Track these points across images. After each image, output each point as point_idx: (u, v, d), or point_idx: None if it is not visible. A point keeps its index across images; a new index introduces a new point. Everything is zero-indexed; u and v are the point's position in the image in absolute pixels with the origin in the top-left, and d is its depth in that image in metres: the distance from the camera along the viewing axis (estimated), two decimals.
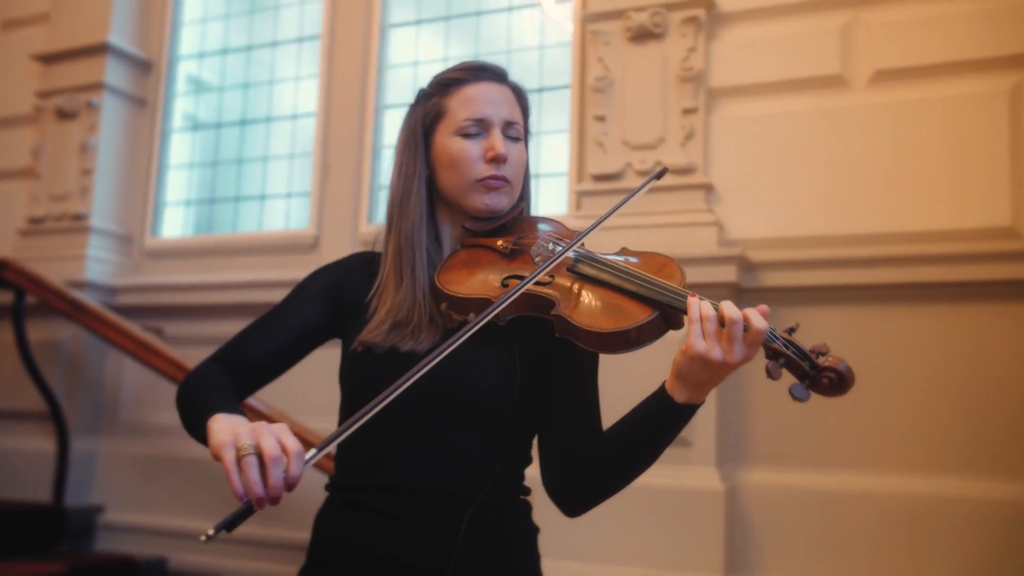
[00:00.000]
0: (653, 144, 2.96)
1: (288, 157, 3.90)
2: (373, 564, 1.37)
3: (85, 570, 3.12)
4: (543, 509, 2.74)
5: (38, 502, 3.48)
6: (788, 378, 1.25)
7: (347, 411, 1.48)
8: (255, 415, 2.99)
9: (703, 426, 2.72)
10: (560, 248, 1.42)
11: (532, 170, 3.52)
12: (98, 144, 3.88)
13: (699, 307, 1.24)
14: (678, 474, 2.71)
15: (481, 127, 1.46)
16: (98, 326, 3.34)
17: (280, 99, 3.97)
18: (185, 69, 4.15)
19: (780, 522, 2.68)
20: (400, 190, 1.50)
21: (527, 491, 1.51)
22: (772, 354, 1.24)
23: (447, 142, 1.47)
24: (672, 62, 2.99)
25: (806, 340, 1.27)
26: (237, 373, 1.46)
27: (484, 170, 1.45)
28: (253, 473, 1.12)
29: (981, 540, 2.49)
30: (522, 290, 1.31)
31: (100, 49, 3.92)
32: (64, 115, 3.95)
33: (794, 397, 1.23)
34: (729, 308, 1.23)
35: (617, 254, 1.45)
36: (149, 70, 4.10)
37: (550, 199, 3.41)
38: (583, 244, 1.45)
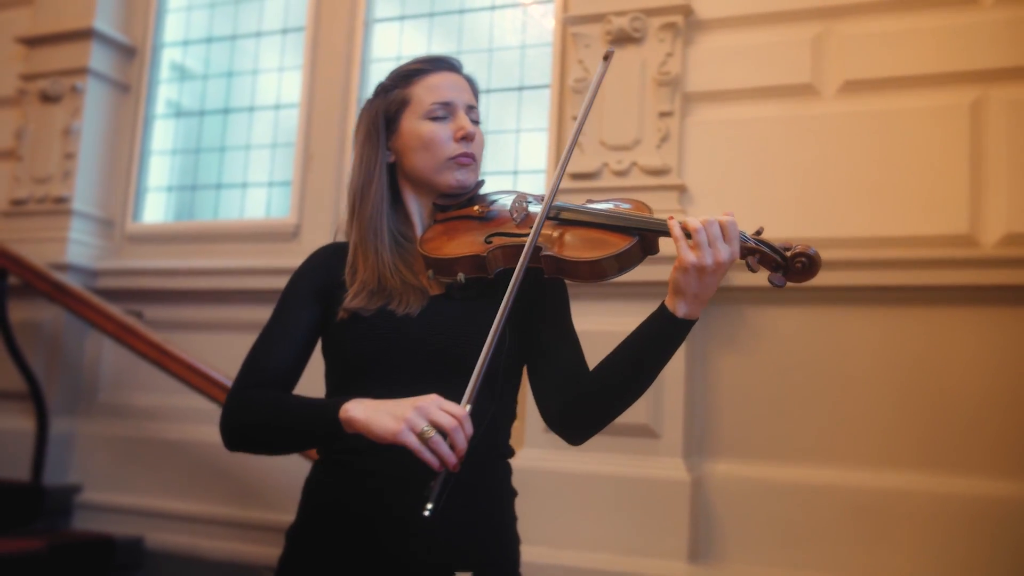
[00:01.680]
0: (629, 145, 3.06)
1: (270, 146, 3.95)
2: (365, 521, 1.46)
3: (64, 547, 3.17)
4: (518, 498, 2.83)
5: (16, 480, 3.53)
6: (764, 275, 1.42)
7: (334, 383, 1.58)
8: (220, 390, 3.07)
9: (671, 418, 2.83)
10: (536, 203, 1.57)
11: (511, 167, 3.61)
12: (81, 128, 3.91)
13: (678, 224, 1.39)
14: (646, 464, 2.82)
15: (447, 111, 1.59)
16: (80, 308, 3.39)
17: (263, 89, 4.02)
18: (169, 56, 4.18)
19: (743, 512, 2.80)
20: (362, 179, 1.61)
21: (511, 452, 1.61)
22: (748, 252, 1.41)
23: (416, 126, 1.59)
24: (650, 66, 3.08)
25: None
26: (269, 388, 1.53)
27: (455, 148, 1.58)
28: (443, 448, 1.30)
29: (936, 531, 2.62)
30: (537, 232, 1.43)
31: (85, 34, 3.95)
32: (48, 98, 3.97)
33: (773, 284, 1.40)
34: (706, 219, 1.38)
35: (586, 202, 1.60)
36: (133, 56, 4.14)
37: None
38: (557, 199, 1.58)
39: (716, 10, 3.09)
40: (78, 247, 3.83)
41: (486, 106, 3.58)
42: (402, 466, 1.41)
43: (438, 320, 1.50)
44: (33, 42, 4.06)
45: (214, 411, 3.24)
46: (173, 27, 4.20)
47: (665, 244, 1.47)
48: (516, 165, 3.54)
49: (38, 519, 3.45)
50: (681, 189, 3.01)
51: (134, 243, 4.00)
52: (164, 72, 4.17)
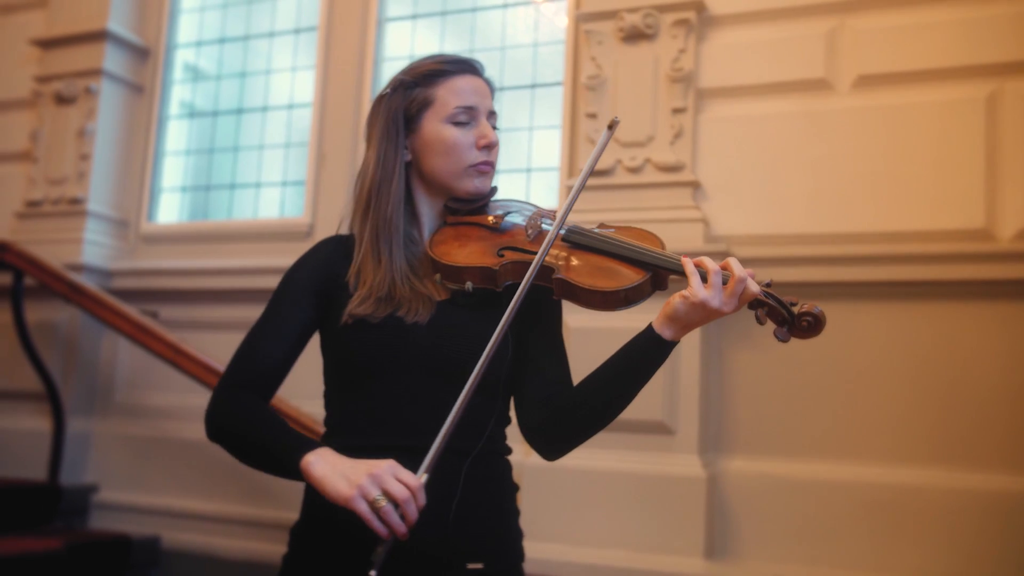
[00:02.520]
0: (643, 142, 3.05)
1: (284, 146, 3.96)
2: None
3: (81, 546, 3.19)
4: (528, 495, 2.84)
5: (34, 480, 3.55)
6: (771, 326, 1.44)
7: (336, 384, 1.57)
8: None
9: (686, 415, 2.82)
10: (549, 222, 1.56)
11: (523, 164, 3.61)
12: (96, 129, 3.94)
13: (703, 262, 1.42)
14: (662, 461, 2.81)
15: (470, 116, 1.57)
16: (96, 308, 3.41)
17: (276, 89, 4.04)
18: (182, 57, 4.20)
19: (759, 508, 2.79)
20: (379, 176, 1.58)
21: (509, 450, 1.62)
22: (756, 304, 1.43)
23: (438, 129, 1.57)
24: (663, 62, 3.08)
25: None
26: (256, 388, 1.53)
27: (477, 156, 1.57)
28: (394, 518, 1.32)
29: (950, 526, 2.60)
30: (540, 261, 1.43)
31: (99, 36, 3.98)
32: (62, 100, 4.00)
33: (778, 339, 1.43)
34: (737, 267, 1.41)
35: (597, 226, 1.58)
36: (147, 57, 4.16)
37: (541, 193, 3.50)
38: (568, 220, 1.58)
39: (729, 6, 3.09)
40: (93, 248, 3.85)
41: (499, 104, 3.58)
42: (407, 460, 1.42)
43: (447, 329, 1.50)
44: (47, 44, 4.09)
45: None
46: (186, 28, 4.22)
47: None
48: (529, 163, 3.54)
49: (55, 519, 3.47)
50: (695, 185, 3.00)
51: (149, 243, 4.02)
52: (177, 73, 4.19)
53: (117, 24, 4.02)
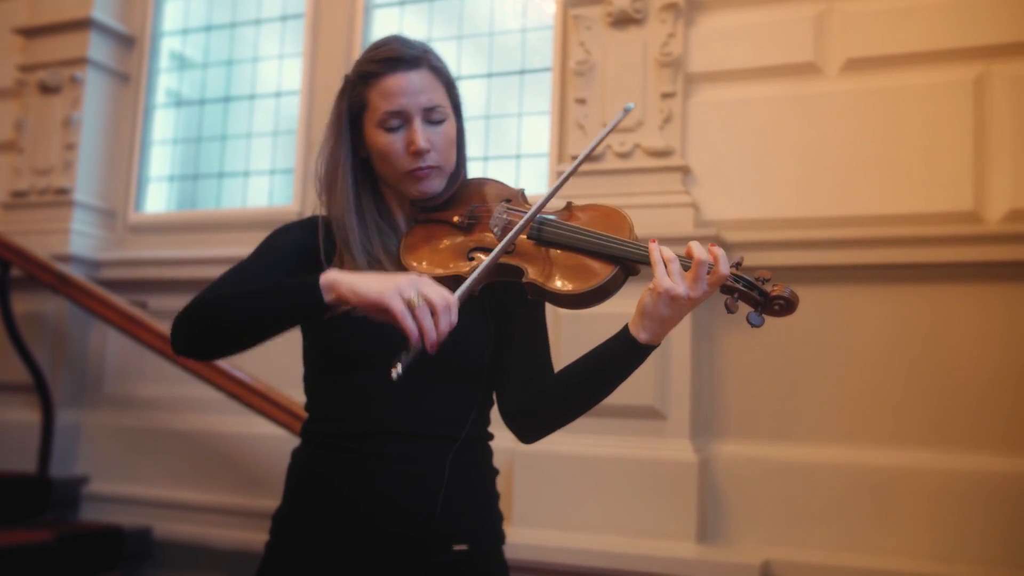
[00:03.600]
0: (632, 127, 3.04)
1: (272, 134, 3.94)
2: (358, 502, 1.47)
3: (72, 538, 3.18)
4: (520, 481, 2.84)
5: (23, 472, 3.53)
6: (744, 309, 1.40)
7: (319, 369, 1.55)
8: (240, 387, 3.07)
9: (678, 400, 2.83)
10: (517, 214, 1.52)
11: (512, 151, 3.60)
12: (81, 119, 3.90)
13: (660, 252, 1.38)
14: (653, 446, 2.82)
15: (401, 119, 1.52)
16: (84, 299, 3.39)
17: (264, 76, 4.01)
18: (168, 45, 4.17)
19: (751, 492, 2.80)
20: (326, 175, 1.57)
21: (491, 436, 1.63)
22: (726, 290, 1.39)
23: (374, 135, 1.53)
24: (652, 47, 3.07)
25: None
26: None
27: (410, 162, 1.52)
28: (428, 321, 1.27)
29: (945, 509, 2.62)
30: (487, 266, 1.41)
31: (83, 24, 3.94)
32: (47, 89, 3.96)
33: (751, 324, 1.38)
34: (698, 249, 1.37)
35: (564, 209, 1.56)
36: (132, 45, 4.12)
37: (531, 179, 3.49)
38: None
39: None
40: (80, 238, 3.82)
41: (487, 91, 3.58)
42: (393, 446, 1.43)
43: None
44: (31, 33, 4.05)
45: (221, 400, 3.25)
46: (172, 16, 4.18)
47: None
48: (519, 149, 3.53)
49: (46, 511, 3.45)
50: (684, 170, 3.00)
51: (137, 233, 4.00)
52: (164, 61, 4.16)
53: (102, 12, 3.98)
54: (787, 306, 1.37)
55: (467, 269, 1.48)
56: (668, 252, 1.38)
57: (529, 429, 1.55)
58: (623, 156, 3.04)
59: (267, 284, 1.42)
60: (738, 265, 1.40)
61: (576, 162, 1.49)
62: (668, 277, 1.36)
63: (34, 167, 3.95)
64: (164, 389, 3.65)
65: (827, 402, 2.79)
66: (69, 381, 3.74)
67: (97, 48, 3.96)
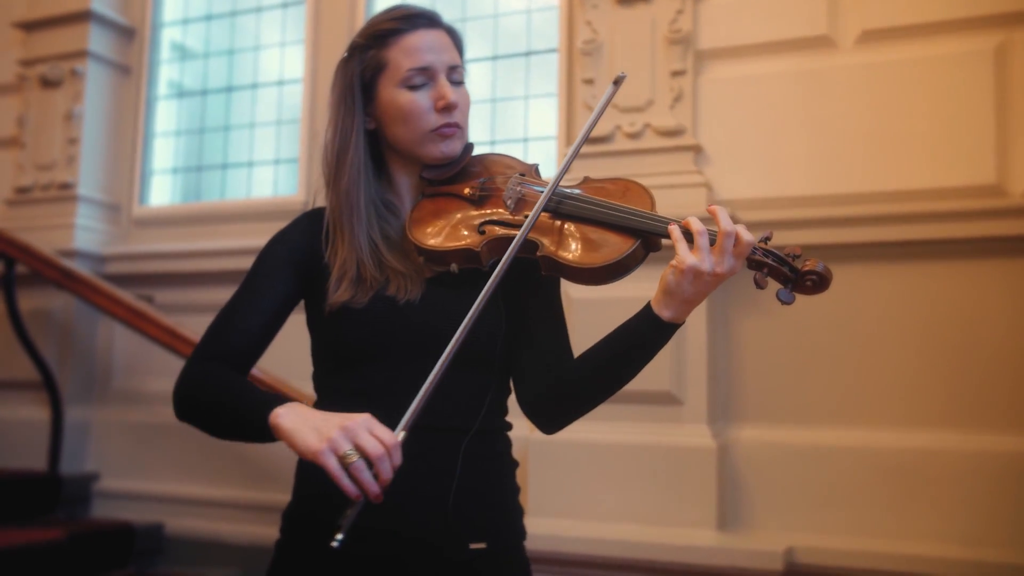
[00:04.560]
0: (642, 107, 2.97)
1: (275, 124, 3.89)
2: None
3: (83, 536, 3.15)
4: (535, 470, 2.79)
5: (33, 470, 3.50)
6: (772, 289, 1.33)
7: (327, 366, 1.50)
8: (255, 383, 3.02)
9: (694, 384, 2.76)
10: (532, 189, 1.46)
11: (519, 134, 3.52)
12: (83, 112, 3.86)
13: (678, 227, 1.31)
14: (670, 432, 2.76)
15: (426, 76, 1.47)
16: (90, 294, 3.35)
17: (266, 65, 3.95)
18: (169, 36, 4.11)
19: (771, 478, 2.74)
20: (336, 148, 1.50)
21: (509, 426, 1.56)
22: (755, 265, 1.32)
23: (394, 95, 1.47)
24: (660, 24, 2.99)
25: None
26: (229, 363, 1.45)
27: (436, 120, 1.46)
28: (365, 476, 1.20)
29: (967, 491, 2.55)
30: (522, 238, 1.34)
31: (83, 16, 3.89)
32: (48, 83, 3.92)
33: (781, 301, 1.31)
34: (724, 218, 1.30)
35: (581, 184, 1.49)
36: (133, 37, 4.07)
37: (539, 163, 3.41)
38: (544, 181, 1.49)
39: None
40: (85, 233, 3.78)
41: (492, 73, 3.51)
42: (408, 444, 1.36)
43: (440, 308, 1.42)
44: (31, 26, 4.00)
45: None
46: (172, 6, 4.12)
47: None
48: (526, 132, 3.47)
49: (57, 508, 3.43)
50: (696, 149, 2.93)
51: (141, 227, 3.95)
52: (165, 52, 4.10)
53: (101, 4, 3.93)
54: (820, 282, 1.30)
55: (478, 241, 1.41)
56: (697, 223, 1.31)
57: (550, 419, 1.48)
58: (633, 136, 2.97)
59: (235, 405, 1.36)
60: (767, 240, 1.34)
61: (582, 134, 1.42)
62: (692, 253, 1.29)
63: (37, 162, 3.91)
64: (172, 383, 3.57)
65: (847, 384, 2.73)
66: (77, 377, 3.70)
67: (97, 40, 3.91)
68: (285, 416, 1.28)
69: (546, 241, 1.39)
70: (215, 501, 3.44)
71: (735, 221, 1.33)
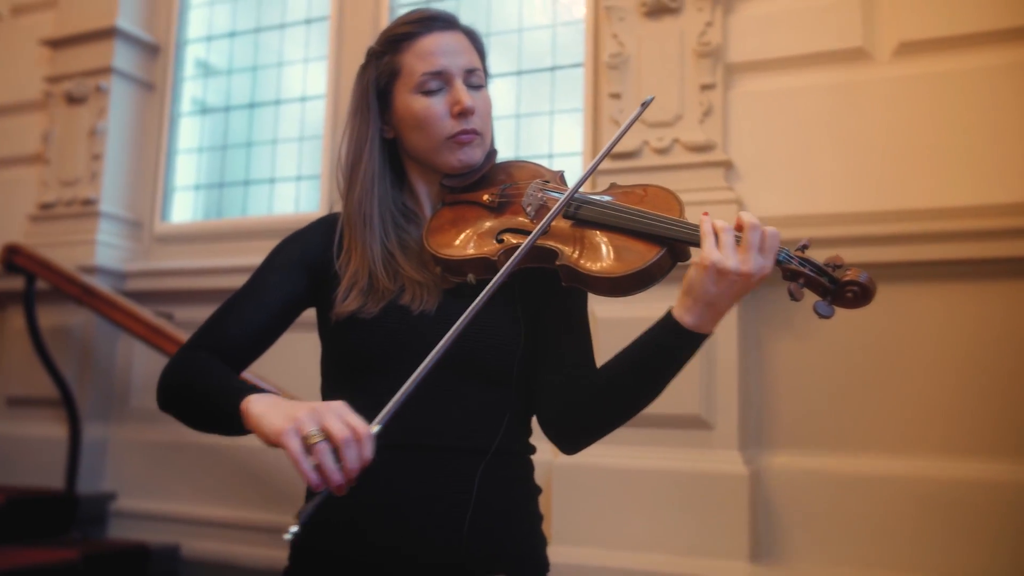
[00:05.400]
0: (670, 121, 2.89)
1: (297, 140, 3.85)
2: (377, 526, 1.32)
3: (98, 557, 3.09)
4: (558, 496, 2.69)
5: (50, 489, 3.46)
6: (808, 301, 1.24)
7: (336, 378, 1.43)
8: None
9: (725, 408, 2.66)
10: (553, 195, 1.38)
11: (544, 150, 3.45)
12: (107, 129, 3.84)
13: (711, 222, 1.24)
14: (700, 457, 2.66)
15: (441, 80, 1.41)
16: (109, 311, 3.31)
17: (289, 82, 3.92)
18: (193, 52, 4.10)
19: (806, 507, 2.63)
20: (351, 157, 1.45)
21: (532, 449, 1.47)
22: (790, 275, 1.24)
23: (409, 102, 1.41)
24: (689, 37, 2.92)
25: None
26: (222, 356, 1.38)
27: (453, 126, 1.40)
28: (328, 460, 1.09)
29: (1015, 525, 2.42)
30: (527, 248, 1.27)
31: (108, 33, 3.88)
32: (73, 100, 3.91)
33: (819, 315, 1.22)
34: (746, 215, 1.23)
35: (607, 191, 1.41)
36: (157, 54, 4.06)
37: (564, 170, 3.35)
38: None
39: None
40: (106, 249, 3.75)
41: (517, 88, 3.45)
42: (415, 461, 1.29)
43: (456, 320, 1.34)
44: (57, 44, 4.00)
45: None
46: (196, 23, 4.11)
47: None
48: (551, 148, 3.40)
49: (72, 528, 3.37)
50: (727, 165, 2.84)
51: (163, 244, 3.92)
52: (188, 69, 4.08)
53: (126, 21, 3.92)
54: (862, 294, 1.21)
55: (495, 251, 1.34)
56: (721, 223, 1.23)
57: (570, 438, 1.39)
58: (661, 152, 2.89)
59: (209, 390, 1.28)
60: (804, 248, 1.25)
61: (606, 148, 1.36)
62: (716, 249, 1.21)
63: (61, 178, 3.90)
64: None
65: (886, 409, 2.61)
66: (96, 395, 3.66)
67: (122, 57, 3.90)
68: (257, 402, 1.19)
69: (566, 249, 1.31)
70: (232, 523, 3.37)
71: None
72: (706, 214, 1.25)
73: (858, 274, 1.22)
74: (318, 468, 1.09)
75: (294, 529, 1.07)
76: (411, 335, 1.34)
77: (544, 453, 1.55)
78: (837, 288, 1.22)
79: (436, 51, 1.40)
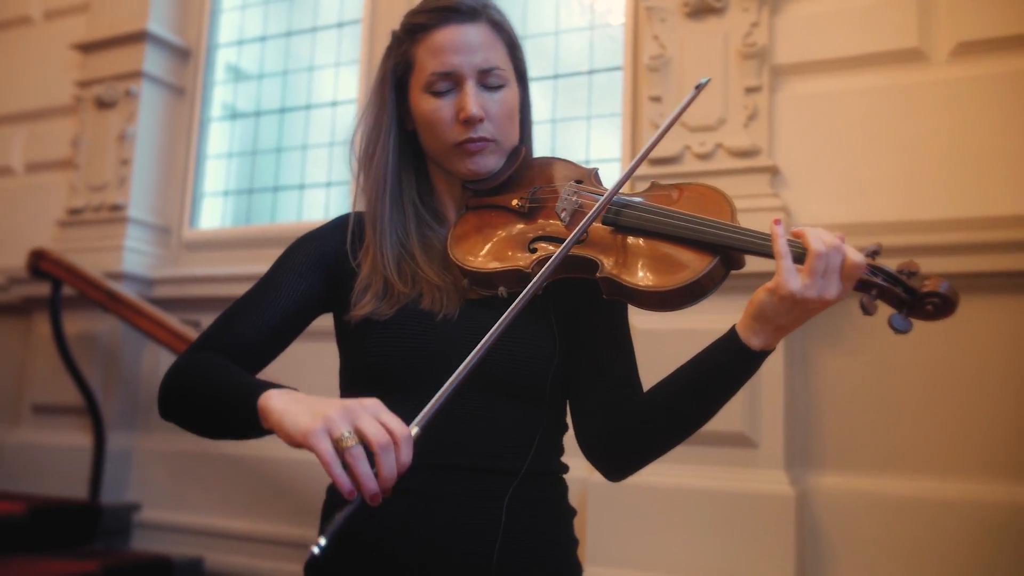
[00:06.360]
0: (713, 125, 2.78)
1: (328, 145, 3.78)
2: (399, 552, 1.22)
3: (119, 569, 3.01)
4: (594, 516, 2.58)
5: (74, 499, 3.40)
6: (885, 311, 1.12)
7: (348, 382, 1.33)
8: None
9: (770, 425, 2.53)
10: (589, 199, 1.26)
11: (581, 155, 3.34)
12: (136, 133, 3.79)
13: (784, 235, 1.11)
14: (743, 477, 2.53)
15: (451, 81, 1.29)
16: (134, 317, 3.25)
17: (319, 86, 3.85)
18: (224, 57, 4.05)
19: (856, 531, 2.49)
20: (365, 148, 1.35)
21: (565, 468, 1.36)
22: (862, 285, 1.11)
23: (419, 100, 1.31)
24: (733, 38, 2.80)
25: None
26: (230, 358, 1.27)
27: (459, 133, 1.29)
28: (363, 467, 0.97)
29: None
30: (559, 259, 1.15)
31: (139, 37, 3.84)
32: (103, 104, 3.87)
33: (895, 329, 1.10)
34: (825, 235, 1.10)
35: (646, 191, 1.29)
36: (188, 58, 4.01)
37: (599, 167, 3.24)
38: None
39: None
40: (134, 255, 3.70)
41: (553, 93, 3.34)
42: (440, 483, 1.19)
43: (484, 329, 1.20)
44: (88, 48, 3.97)
45: None
46: (227, 27, 4.06)
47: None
48: (588, 154, 3.29)
49: (95, 539, 3.31)
50: (773, 171, 2.72)
51: (191, 250, 3.86)
52: (219, 73, 4.03)
53: (157, 25, 3.88)
54: (943, 306, 1.09)
55: (528, 262, 1.22)
56: (814, 240, 1.09)
57: (616, 465, 1.28)
58: (703, 157, 2.78)
59: (222, 378, 1.16)
60: (874, 255, 1.12)
61: (655, 137, 1.24)
62: (800, 274, 1.08)
63: (89, 183, 3.85)
64: None
65: (942, 428, 2.47)
66: (121, 404, 3.59)
67: (152, 61, 3.86)
68: (278, 398, 1.07)
69: (607, 260, 1.19)
70: (258, 536, 3.28)
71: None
72: (778, 222, 1.13)
73: (939, 283, 1.09)
74: (351, 473, 0.97)
75: (322, 543, 0.96)
76: (434, 346, 1.24)
77: (578, 470, 1.45)
78: (915, 300, 1.10)
79: (448, 48, 1.28)
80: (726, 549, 2.50)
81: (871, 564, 2.46)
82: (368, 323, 1.25)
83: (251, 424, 1.10)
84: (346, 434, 0.98)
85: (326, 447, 0.98)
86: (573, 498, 1.40)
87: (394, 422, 1.00)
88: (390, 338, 1.24)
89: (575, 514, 1.38)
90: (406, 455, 0.99)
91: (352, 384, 1.32)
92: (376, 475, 0.97)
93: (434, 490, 1.22)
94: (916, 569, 2.41)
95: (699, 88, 1.27)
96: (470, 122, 1.28)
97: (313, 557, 0.95)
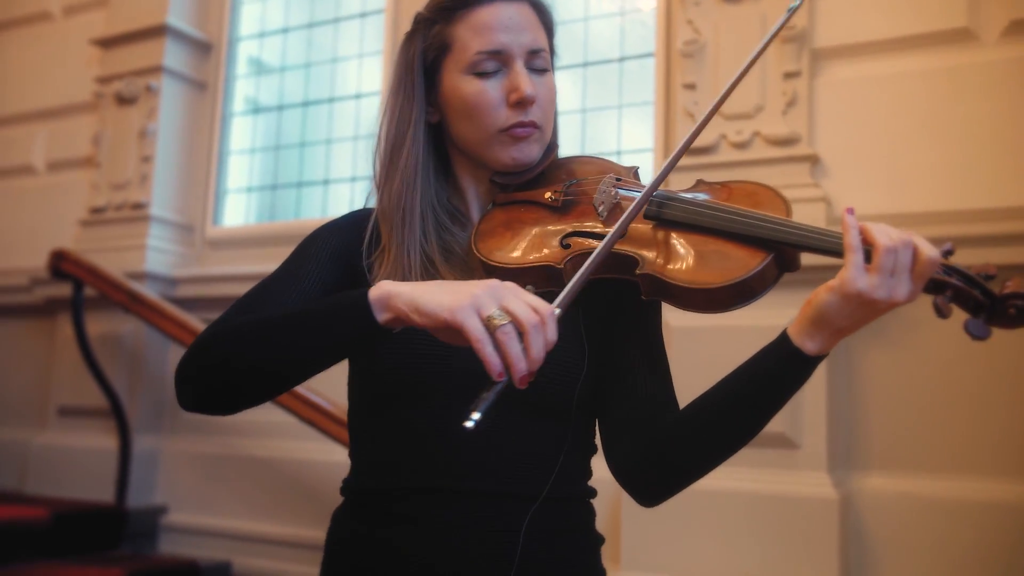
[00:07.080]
0: (751, 112, 2.67)
1: (352, 139, 3.70)
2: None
3: (145, 574, 2.97)
4: (628, 520, 2.49)
5: (100, 502, 3.36)
6: (959, 315, 1.03)
7: (363, 404, 1.24)
8: (318, 414, 2.80)
9: (812, 426, 2.43)
10: (629, 193, 1.17)
11: (612, 146, 3.23)
12: (157, 130, 3.74)
13: (856, 231, 1.00)
14: (784, 479, 2.43)
15: (499, 61, 1.19)
16: (155, 317, 3.20)
17: (343, 79, 3.78)
18: (245, 50, 3.98)
19: (903, 535, 2.38)
20: (391, 141, 1.24)
21: (592, 492, 1.26)
22: (935, 287, 1.02)
23: (458, 83, 1.20)
24: (771, 21, 2.68)
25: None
26: None
27: (508, 117, 1.19)
28: (515, 346, 0.92)
29: None
30: (604, 252, 1.06)
31: (159, 31, 3.78)
32: (123, 100, 3.82)
33: (971, 335, 1.01)
34: (891, 230, 1.00)
35: (693, 188, 1.20)
36: (209, 52, 3.95)
37: (639, 166, 3.14)
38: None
39: None
40: (157, 254, 3.65)
41: (583, 81, 3.24)
42: (452, 509, 1.10)
43: None
44: (108, 43, 3.92)
45: (302, 427, 2.98)
46: (248, 19, 3.99)
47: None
48: (619, 145, 3.19)
49: (122, 543, 3.27)
50: (813, 160, 2.60)
51: (215, 248, 3.81)
52: (241, 67, 3.97)
53: (177, 18, 3.82)
54: None
55: (560, 257, 1.13)
56: (882, 235, 0.99)
57: (651, 490, 1.18)
58: (740, 146, 2.67)
59: (295, 307, 1.08)
60: (948, 254, 1.02)
61: (713, 105, 1.16)
62: (868, 272, 0.98)
63: (111, 182, 3.81)
64: (244, 414, 3.39)
65: (991, 428, 2.35)
66: (146, 405, 3.55)
67: (172, 55, 3.80)
68: (392, 285, 1.00)
69: (648, 255, 1.10)
70: (286, 540, 3.23)
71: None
72: (851, 211, 1.02)
73: (1021, 285, 0.99)
74: (502, 352, 0.92)
75: (476, 417, 0.90)
76: (450, 356, 1.13)
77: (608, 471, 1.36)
78: (994, 303, 1.00)
79: (496, 25, 1.18)
80: (766, 554, 2.40)
81: (919, 571, 2.35)
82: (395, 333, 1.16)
83: (361, 332, 1.02)
84: (496, 312, 0.93)
85: (476, 326, 0.93)
86: (605, 499, 1.30)
87: (538, 301, 0.95)
88: (403, 346, 1.14)
89: (602, 542, 1.28)
90: (552, 332, 0.94)
91: (362, 399, 1.23)
92: (525, 354, 0.93)
93: (444, 517, 1.12)
94: (961, 573, 2.30)
95: (791, 11, 1.20)
96: (523, 104, 1.18)
97: (467, 431, 0.89)
